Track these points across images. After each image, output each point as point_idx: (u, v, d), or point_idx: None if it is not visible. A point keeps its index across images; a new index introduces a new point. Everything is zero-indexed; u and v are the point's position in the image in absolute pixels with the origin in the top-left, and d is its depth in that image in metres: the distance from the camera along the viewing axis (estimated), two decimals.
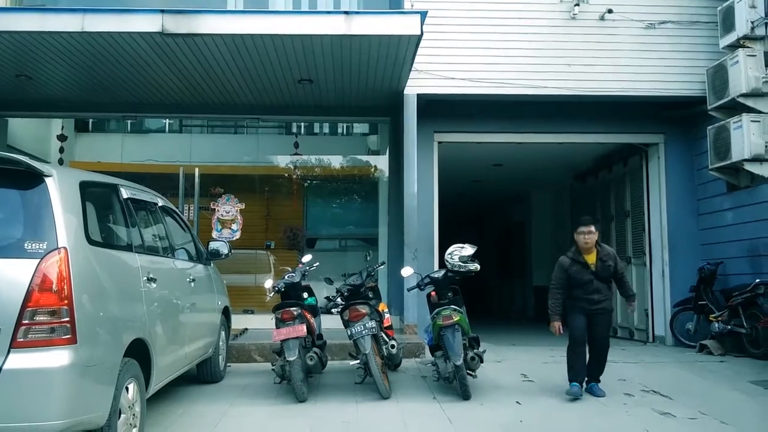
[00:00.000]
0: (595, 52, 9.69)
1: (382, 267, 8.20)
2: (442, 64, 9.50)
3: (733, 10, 8.96)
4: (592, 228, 6.36)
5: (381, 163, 11.40)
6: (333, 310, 6.85)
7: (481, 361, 6.52)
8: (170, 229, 6.14)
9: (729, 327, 8.90)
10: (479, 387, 6.66)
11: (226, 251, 7.06)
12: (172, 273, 5.77)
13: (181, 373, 5.87)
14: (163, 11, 7.63)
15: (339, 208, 12.29)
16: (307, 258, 7.51)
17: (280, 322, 6.39)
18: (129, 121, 11.73)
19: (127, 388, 4.32)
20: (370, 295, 7.20)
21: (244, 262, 10.69)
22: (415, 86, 9.42)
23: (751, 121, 8.59)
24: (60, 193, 3.94)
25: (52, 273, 3.69)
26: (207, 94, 10.02)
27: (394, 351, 6.81)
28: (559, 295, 6.44)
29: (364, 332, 6.29)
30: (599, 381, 6.56)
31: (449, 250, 6.84)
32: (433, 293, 6.91)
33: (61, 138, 11.34)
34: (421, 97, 9.52)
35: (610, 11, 9.62)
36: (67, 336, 3.67)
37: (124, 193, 5.08)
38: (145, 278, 4.89)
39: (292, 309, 6.45)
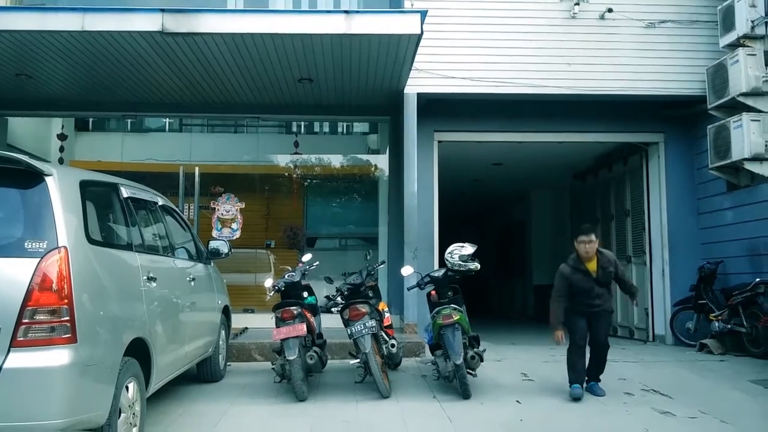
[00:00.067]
0: (595, 51, 9.68)
1: (382, 266, 8.20)
2: (443, 63, 9.50)
3: (733, 9, 8.95)
4: (593, 237, 6.31)
5: (381, 162, 11.40)
6: (333, 309, 6.84)
7: (481, 360, 6.53)
8: (170, 229, 6.14)
9: (729, 326, 8.90)
10: (479, 386, 6.66)
11: (226, 250, 7.07)
12: (172, 272, 5.77)
13: (181, 372, 5.87)
14: (163, 10, 7.63)
15: (339, 207, 12.29)
16: (307, 257, 7.51)
17: (280, 321, 6.39)
18: (129, 120, 11.73)
19: (127, 387, 4.32)
20: (370, 294, 7.20)
21: (244, 261, 10.69)
22: (415, 85, 9.41)
23: (751, 120, 8.59)
24: (60, 192, 3.94)
25: (52, 272, 3.69)
26: (207, 93, 10.02)
27: (394, 350, 6.81)
28: (561, 303, 6.38)
29: (364, 331, 6.29)
30: (599, 380, 6.56)
31: (449, 249, 6.84)
32: (433, 292, 6.91)
33: (61, 137, 11.34)
34: (421, 96, 9.52)
35: (610, 10, 9.61)
36: (67, 335, 3.67)
37: (125, 193, 5.08)
38: (145, 277, 4.89)
39: (292, 308, 6.45)
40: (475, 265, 6.73)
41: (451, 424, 5.51)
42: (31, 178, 3.93)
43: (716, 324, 9.06)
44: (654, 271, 10.60)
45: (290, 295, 6.84)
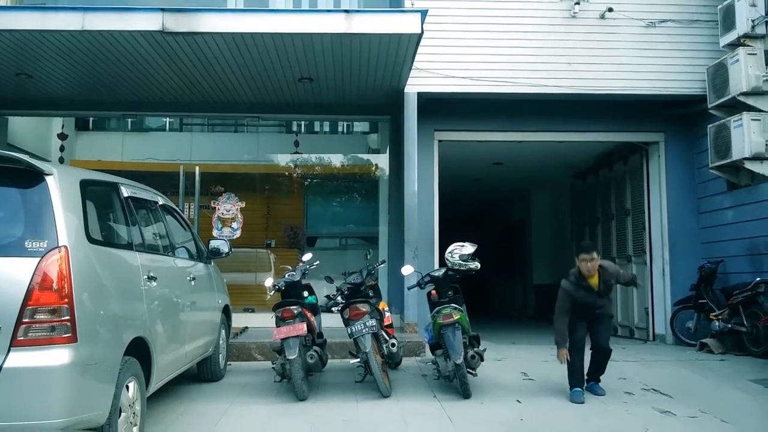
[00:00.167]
0: (595, 50, 9.68)
1: (382, 265, 8.20)
2: (443, 62, 9.50)
3: (734, 8, 8.94)
4: (594, 254, 6.24)
5: (381, 161, 11.39)
6: (333, 309, 6.84)
7: (482, 360, 6.52)
8: (171, 228, 6.14)
9: (729, 325, 8.90)
10: (480, 385, 6.66)
11: (226, 250, 7.07)
12: (172, 271, 5.77)
13: (181, 372, 5.88)
14: (163, 10, 7.63)
15: (339, 207, 12.30)
16: (307, 256, 7.51)
17: (281, 321, 6.39)
18: (129, 120, 11.73)
19: (127, 387, 4.32)
20: (371, 294, 7.20)
21: (244, 260, 10.69)
22: (416, 85, 9.41)
23: (752, 119, 8.58)
24: (60, 191, 3.94)
25: (53, 271, 3.69)
26: (207, 92, 10.02)
27: (394, 349, 6.81)
28: (566, 320, 6.30)
29: (364, 331, 6.29)
30: (599, 381, 6.56)
31: (449, 249, 6.84)
32: (433, 292, 6.91)
33: (62, 136, 11.34)
34: (421, 96, 9.52)
35: (610, 10, 9.61)
36: (68, 334, 3.67)
37: (125, 192, 5.09)
38: (146, 277, 4.89)
39: (292, 307, 6.45)
40: (476, 265, 6.73)
41: (451, 424, 5.51)
42: (31, 178, 3.93)
43: (716, 323, 9.05)
44: (654, 270, 10.60)
45: (290, 294, 6.84)
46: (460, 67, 9.52)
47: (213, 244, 7.09)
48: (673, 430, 5.43)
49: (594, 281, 6.29)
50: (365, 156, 12.21)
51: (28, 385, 3.57)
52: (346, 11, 7.91)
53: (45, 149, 11.37)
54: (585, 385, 6.42)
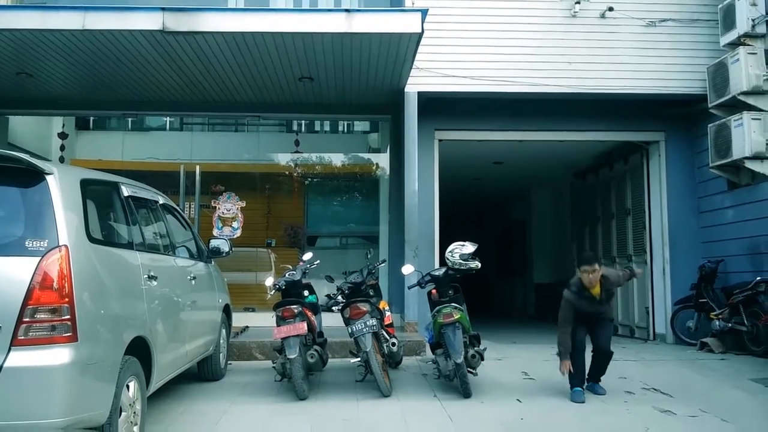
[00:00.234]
0: (595, 49, 9.68)
1: (382, 265, 8.21)
2: (443, 62, 9.50)
3: (734, 7, 8.94)
4: (596, 266, 6.18)
5: (382, 161, 11.39)
6: (334, 308, 6.84)
7: (482, 359, 6.53)
8: (171, 227, 6.14)
9: (730, 325, 8.90)
10: (480, 385, 6.66)
11: (227, 249, 7.07)
12: (172, 271, 5.77)
13: (181, 371, 5.88)
14: (164, 9, 7.63)
15: (340, 206, 12.30)
16: (307, 256, 7.51)
17: (281, 320, 6.39)
18: (130, 119, 11.75)
19: (128, 386, 4.33)
20: (371, 293, 7.20)
21: (244, 259, 10.69)
22: (416, 84, 9.41)
23: (752, 119, 8.59)
24: (61, 191, 3.93)
25: (53, 271, 3.69)
26: (208, 91, 10.02)
27: (394, 349, 6.81)
28: (569, 330, 6.27)
29: (364, 330, 6.29)
30: (599, 381, 6.56)
31: (450, 248, 6.84)
32: (433, 291, 6.90)
33: (62, 136, 11.34)
34: (421, 95, 9.52)
35: (610, 9, 9.61)
36: (68, 334, 3.67)
37: (125, 191, 5.08)
38: (146, 276, 4.89)
39: (292, 307, 6.45)
40: (476, 264, 6.73)
41: (451, 423, 5.52)
42: (31, 177, 3.93)
43: (717, 323, 9.05)
44: (655, 269, 10.59)
45: (291, 293, 6.84)
46: (461, 66, 9.51)
47: (213, 243, 7.09)
48: (673, 429, 5.43)
49: (596, 291, 6.26)
50: (365, 155, 12.21)
51: (29, 385, 3.57)
52: (346, 11, 7.91)
53: (45, 149, 11.37)
54: (585, 384, 6.42)
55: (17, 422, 3.55)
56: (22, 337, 3.60)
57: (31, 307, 3.63)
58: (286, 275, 7.03)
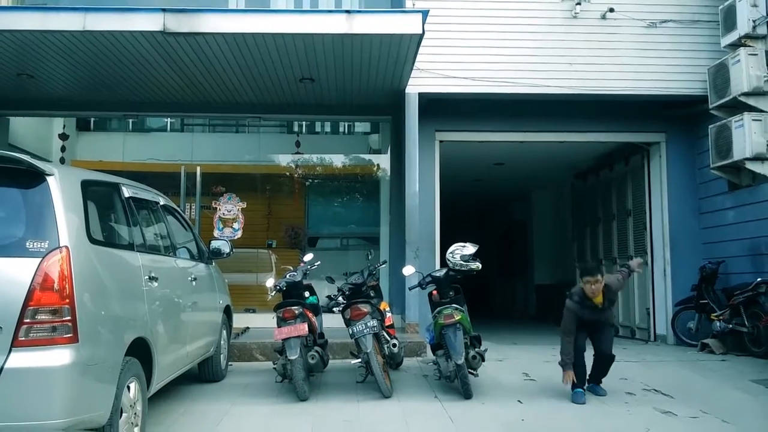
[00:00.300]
0: (596, 51, 9.68)
1: (383, 266, 8.20)
2: (444, 62, 9.50)
3: (735, 8, 8.94)
4: (599, 277, 6.14)
5: (382, 162, 11.39)
6: (334, 309, 6.83)
7: (483, 360, 6.52)
8: (172, 228, 6.14)
9: (730, 326, 8.90)
10: (481, 386, 6.66)
11: (227, 250, 7.07)
12: (173, 272, 5.77)
13: (182, 372, 5.88)
14: (164, 10, 7.64)
15: (340, 207, 12.30)
16: (308, 257, 7.51)
17: (282, 321, 6.39)
18: (130, 120, 11.76)
19: (128, 387, 4.33)
20: (372, 294, 7.19)
21: (245, 260, 10.69)
22: (417, 85, 9.41)
23: (753, 120, 8.58)
24: (61, 192, 3.94)
25: (54, 272, 3.70)
26: (208, 92, 10.03)
27: (395, 350, 6.80)
28: (572, 339, 6.25)
29: (365, 331, 6.29)
30: (600, 382, 6.56)
31: (451, 249, 6.83)
32: (434, 292, 6.90)
33: (63, 137, 11.35)
34: (422, 96, 9.52)
35: (611, 10, 9.61)
36: (69, 335, 3.67)
37: (126, 192, 5.08)
38: (147, 277, 4.89)
39: (293, 308, 6.45)
40: (477, 265, 6.73)
41: (452, 424, 5.51)
42: (32, 178, 3.94)
43: (718, 324, 9.05)
44: (655, 270, 10.59)
45: (292, 294, 6.84)
46: (462, 67, 9.51)
47: (214, 244, 7.09)
48: (674, 430, 5.42)
49: (598, 300, 6.24)
50: (366, 156, 12.21)
51: (30, 386, 3.57)
52: (347, 12, 7.91)
53: (46, 150, 11.38)
54: (586, 385, 6.41)
55: (18, 423, 3.55)
56: (23, 338, 3.60)
57: (31, 308, 3.63)
58: (287, 276, 7.02)
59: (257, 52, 8.30)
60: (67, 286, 3.71)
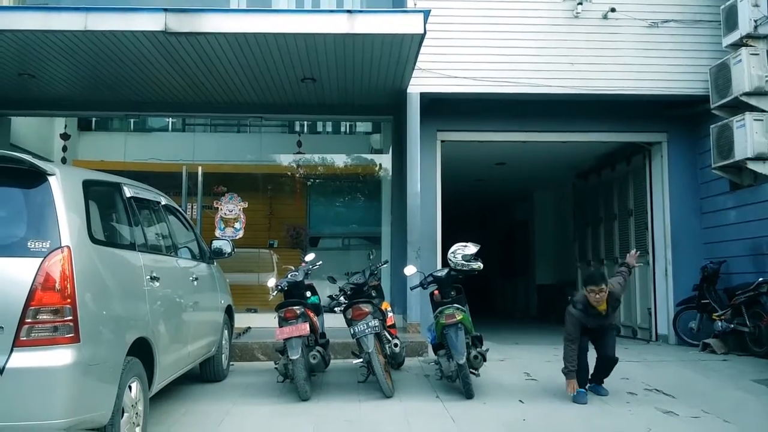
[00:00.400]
0: (598, 50, 9.67)
1: (385, 266, 8.19)
2: (446, 62, 9.49)
3: (736, 8, 8.93)
4: (603, 286, 6.09)
5: (384, 161, 11.40)
6: (336, 309, 6.83)
7: (484, 360, 6.52)
8: (173, 228, 6.15)
9: (732, 326, 8.89)
10: (482, 386, 6.66)
11: (229, 250, 7.08)
12: (175, 272, 5.77)
13: (184, 372, 5.88)
14: (166, 10, 7.64)
15: (342, 207, 12.31)
16: (310, 257, 7.52)
17: (283, 321, 6.39)
18: (132, 120, 11.76)
19: (130, 387, 4.33)
20: (373, 294, 7.19)
21: (247, 260, 10.70)
22: (419, 85, 9.41)
23: (755, 119, 8.58)
24: (63, 191, 3.94)
25: (55, 272, 3.70)
26: (210, 92, 10.03)
27: (397, 350, 6.81)
28: (575, 346, 6.21)
29: (367, 331, 6.29)
30: (602, 382, 6.55)
31: (452, 249, 6.83)
32: (436, 292, 6.89)
33: (64, 137, 11.35)
34: (424, 96, 9.52)
35: (613, 10, 9.60)
36: (70, 335, 3.67)
37: (127, 192, 5.09)
38: (148, 277, 4.89)
39: (295, 308, 6.45)
40: (478, 265, 6.73)
41: (454, 424, 5.51)
42: (34, 178, 3.94)
43: (719, 324, 9.04)
44: (657, 270, 10.58)
45: (293, 294, 6.84)
46: (463, 67, 9.51)
47: (216, 244, 7.10)
48: (675, 430, 5.42)
49: (602, 307, 6.21)
50: (368, 156, 12.22)
51: (31, 386, 3.57)
52: (348, 11, 7.91)
53: (48, 149, 11.38)
54: (588, 385, 6.40)
55: (19, 423, 3.56)
56: (25, 338, 3.61)
57: (33, 308, 3.63)
58: (289, 276, 7.02)
59: (259, 52, 8.30)
60: (68, 286, 3.71)
